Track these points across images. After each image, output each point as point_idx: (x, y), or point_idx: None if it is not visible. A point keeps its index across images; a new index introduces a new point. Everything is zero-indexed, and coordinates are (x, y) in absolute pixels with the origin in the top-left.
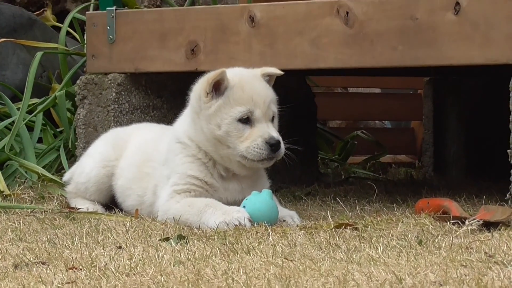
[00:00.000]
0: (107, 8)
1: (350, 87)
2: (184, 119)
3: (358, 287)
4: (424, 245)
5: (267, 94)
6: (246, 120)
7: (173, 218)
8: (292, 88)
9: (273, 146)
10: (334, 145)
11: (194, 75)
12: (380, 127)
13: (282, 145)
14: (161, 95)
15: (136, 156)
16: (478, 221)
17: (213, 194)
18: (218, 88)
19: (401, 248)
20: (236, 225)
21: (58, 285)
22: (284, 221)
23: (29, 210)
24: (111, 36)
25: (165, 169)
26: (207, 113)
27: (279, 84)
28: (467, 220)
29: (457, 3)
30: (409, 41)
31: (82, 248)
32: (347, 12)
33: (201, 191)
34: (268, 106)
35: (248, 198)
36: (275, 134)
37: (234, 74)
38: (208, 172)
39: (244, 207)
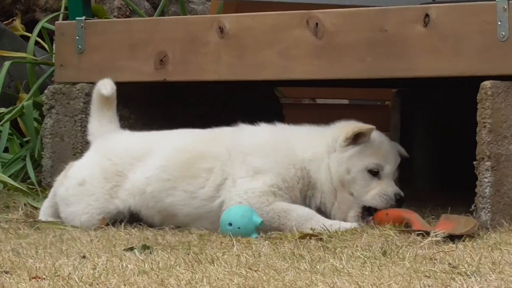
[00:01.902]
0: (76, 18)
1: (318, 98)
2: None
3: None
4: (388, 256)
5: (398, 157)
6: (375, 173)
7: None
8: (260, 99)
9: (398, 200)
10: None
11: (162, 86)
12: None
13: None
14: (129, 106)
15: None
16: (443, 232)
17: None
18: (357, 138)
19: (365, 259)
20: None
21: None
22: None
23: None
24: (80, 46)
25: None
26: (341, 156)
27: (247, 94)
28: (432, 232)
29: (426, 15)
30: (378, 53)
31: (46, 258)
32: (317, 24)
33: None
34: (396, 167)
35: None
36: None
37: (377, 133)
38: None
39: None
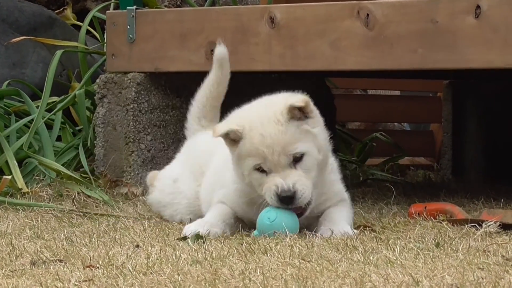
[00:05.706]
0: (128, 8)
1: (369, 89)
2: None
3: None
4: (442, 248)
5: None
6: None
7: None
8: (312, 90)
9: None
10: (352, 146)
11: None
12: (399, 129)
13: (302, 194)
14: (180, 95)
15: None
16: (495, 223)
17: None
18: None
19: (418, 251)
20: None
21: (75, 283)
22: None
23: (46, 208)
24: (131, 36)
25: None
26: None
27: (298, 85)
28: (484, 223)
29: (478, 7)
30: (429, 44)
31: (99, 247)
32: (368, 15)
33: None
34: (282, 153)
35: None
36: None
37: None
38: None
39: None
